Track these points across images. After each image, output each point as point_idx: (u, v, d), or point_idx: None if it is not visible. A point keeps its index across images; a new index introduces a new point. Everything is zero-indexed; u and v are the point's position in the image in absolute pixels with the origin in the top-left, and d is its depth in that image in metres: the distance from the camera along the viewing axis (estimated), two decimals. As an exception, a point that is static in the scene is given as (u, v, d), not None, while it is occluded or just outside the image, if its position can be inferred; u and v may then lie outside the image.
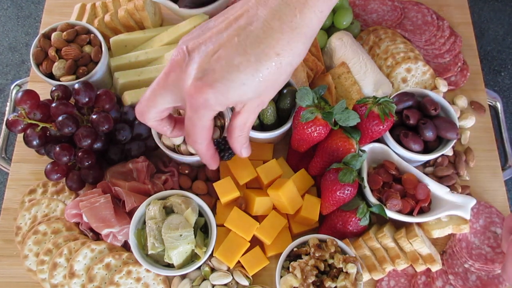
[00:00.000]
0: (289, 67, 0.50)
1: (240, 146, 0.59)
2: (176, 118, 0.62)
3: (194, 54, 0.50)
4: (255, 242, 0.76)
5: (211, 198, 0.81)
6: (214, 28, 0.50)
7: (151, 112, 0.55)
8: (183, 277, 0.76)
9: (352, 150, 0.73)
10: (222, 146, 0.69)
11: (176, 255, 0.70)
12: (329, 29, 0.93)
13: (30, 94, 0.75)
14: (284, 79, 0.51)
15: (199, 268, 0.75)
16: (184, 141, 0.76)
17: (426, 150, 0.78)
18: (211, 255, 0.74)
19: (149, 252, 0.71)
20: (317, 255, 0.69)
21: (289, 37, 0.48)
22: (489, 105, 0.94)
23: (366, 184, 0.75)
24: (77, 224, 0.79)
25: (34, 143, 0.76)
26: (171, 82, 0.52)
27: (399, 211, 0.74)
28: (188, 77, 0.49)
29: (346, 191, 0.71)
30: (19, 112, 0.74)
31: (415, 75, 0.90)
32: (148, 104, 0.55)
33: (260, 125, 0.78)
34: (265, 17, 0.48)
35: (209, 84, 0.48)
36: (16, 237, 0.79)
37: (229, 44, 0.48)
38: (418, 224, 0.78)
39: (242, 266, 0.74)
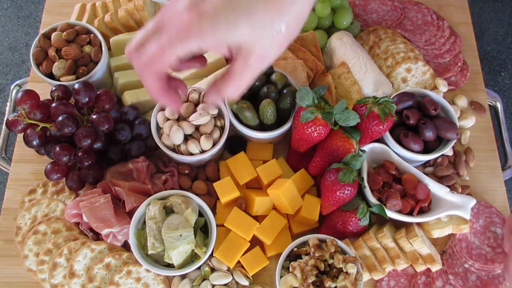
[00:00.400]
0: (285, 25, 0.47)
1: (228, 93, 0.53)
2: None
3: None
4: (255, 242, 0.76)
5: (211, 198, 0.81)
6: None
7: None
8: (183, 277, 0.76)
9: (352, 150, 0.73)
10: None
11: (176, 255, 0.70)
12: (329, 29, 0.93)
13: (30, 94, 0.75)
14: (281, 36, 0.48)
15: (199, 268, 0.75)
16: (184, 141, 0.76)
17: (426, 150, 0.78)
18: (211, 255, 0.74)
19: (149, 252, 0.71)
20: (317, 255, 0.69)
21: None
22: (489, 105, 0.94)
23: (366, 184, 0.75)
24: (77, 224, 0.79)
25: (34, 143, 0.76)
26: (166, 19, 0.48)
27: (399, 211, 0.74)
28: (180, 4, 0.47)
29: (346, 191, 0.71)
30: (19, 112, 0.74)
31: (415, 75, 0.90)
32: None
33: (260, 125, 0.78)
34: None
35: (201, 12, 0.46)
36: (16, 237, 0.79)
37: None
38: (418, 224, 0.78)
39: (242, 266, 0.74)
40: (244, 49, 0.49)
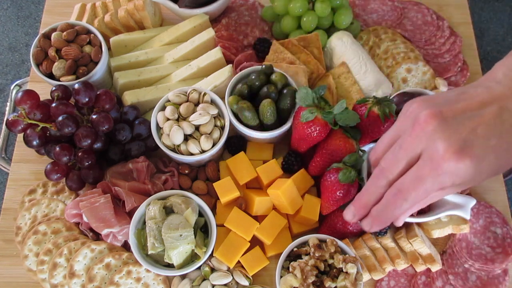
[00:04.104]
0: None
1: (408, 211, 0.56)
2: None
3: (451, 120, 0.49)
4: (255, 242, 0.76)
5: (211, 198, 0.81)
6: (465, 101, 0.50)
7: None
8: (183, 277, 0.76)
9: (352, 150, 0.73)
10: None
11: (176, 255, 0.70)
12: (329, 29, 0.93)
13: (30, 94, 0.75)
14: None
15: (199, 268, 0.75)
16: (184, 141, 0.76)
17: (426, 150, 0.78)
18: (211, 255, 0.75)
19: (149, 252, 0.71)
20: (317, 255, 0.69)
21: None
22: (489, 105, 0.94)
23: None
24: (77, 224, 0.79)
25: (34, 143, 0.76)
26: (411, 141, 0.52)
27: (399, 211, 0.74)
28: (443, 141, 0.49)
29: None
30: (19, 112, 0.74)
31: (415, 75, 0.89)
32: None
33: (260, 125, 0.78)
34: None
35: (468, 155, 0.48)
36: (16, 237, 0.79)
37: (487, 123, 0.48)
38: (418, 224, 0.78)
39: (242, 266, 0.74)
40: (465, 184, 0.51)
